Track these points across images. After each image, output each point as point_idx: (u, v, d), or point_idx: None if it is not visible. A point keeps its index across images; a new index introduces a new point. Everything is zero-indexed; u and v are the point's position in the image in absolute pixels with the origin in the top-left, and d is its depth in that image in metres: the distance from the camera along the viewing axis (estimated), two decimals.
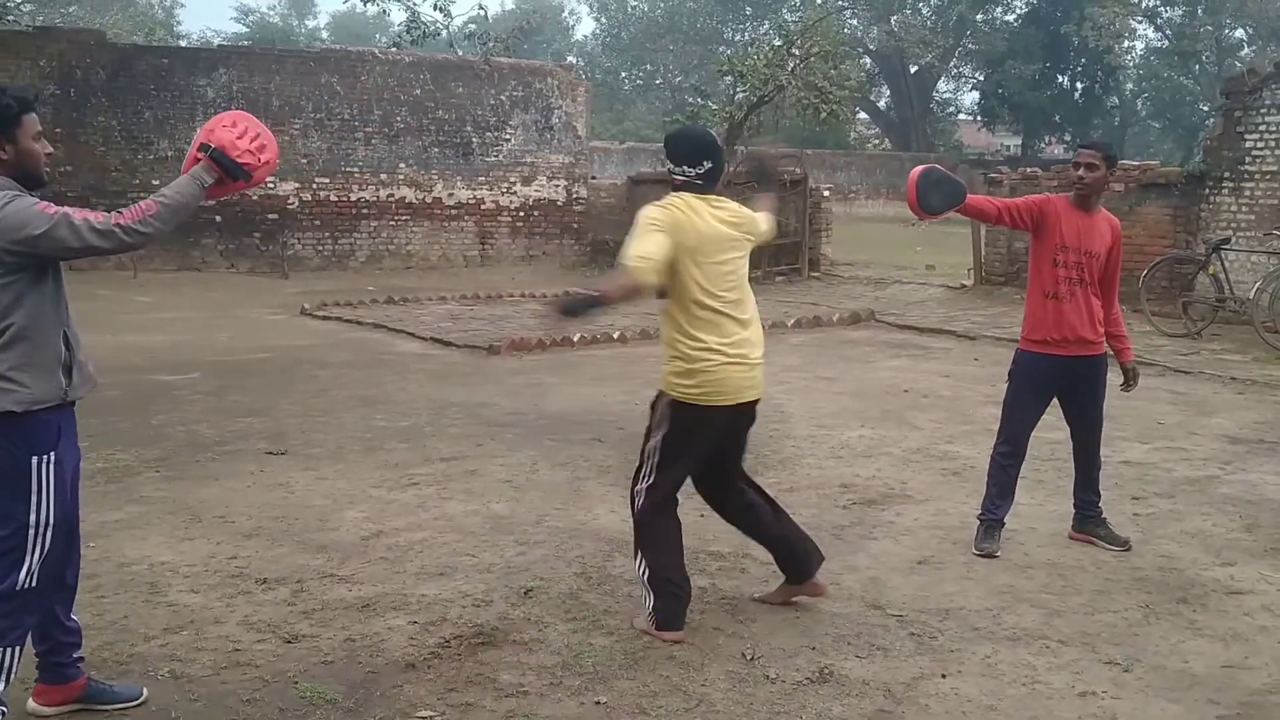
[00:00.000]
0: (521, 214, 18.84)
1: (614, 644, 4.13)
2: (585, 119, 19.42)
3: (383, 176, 17.87)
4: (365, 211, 17.85)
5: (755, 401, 4.25)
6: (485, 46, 20.51)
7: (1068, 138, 45.42)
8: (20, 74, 15.50)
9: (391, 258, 18.03)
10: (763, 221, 4.41)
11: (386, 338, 11.74)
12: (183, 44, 36.48)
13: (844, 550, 5.25)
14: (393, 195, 17.95)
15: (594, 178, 19.45)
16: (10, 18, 17.39)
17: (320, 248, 17.58)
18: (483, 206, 18.56)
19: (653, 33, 53.07)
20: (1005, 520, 5.43)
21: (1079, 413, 5.50)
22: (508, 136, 18.64)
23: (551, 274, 18.27)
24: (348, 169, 17.67)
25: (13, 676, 3.27)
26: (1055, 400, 5.47)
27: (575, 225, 19.26)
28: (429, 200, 18.06)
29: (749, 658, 4.03)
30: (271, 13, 66.69)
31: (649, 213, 4.06)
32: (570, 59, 60.88)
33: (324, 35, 67.04)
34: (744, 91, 16.00)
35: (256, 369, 9.76)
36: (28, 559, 3.18)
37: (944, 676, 3.94)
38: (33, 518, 3.17)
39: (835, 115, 15.96)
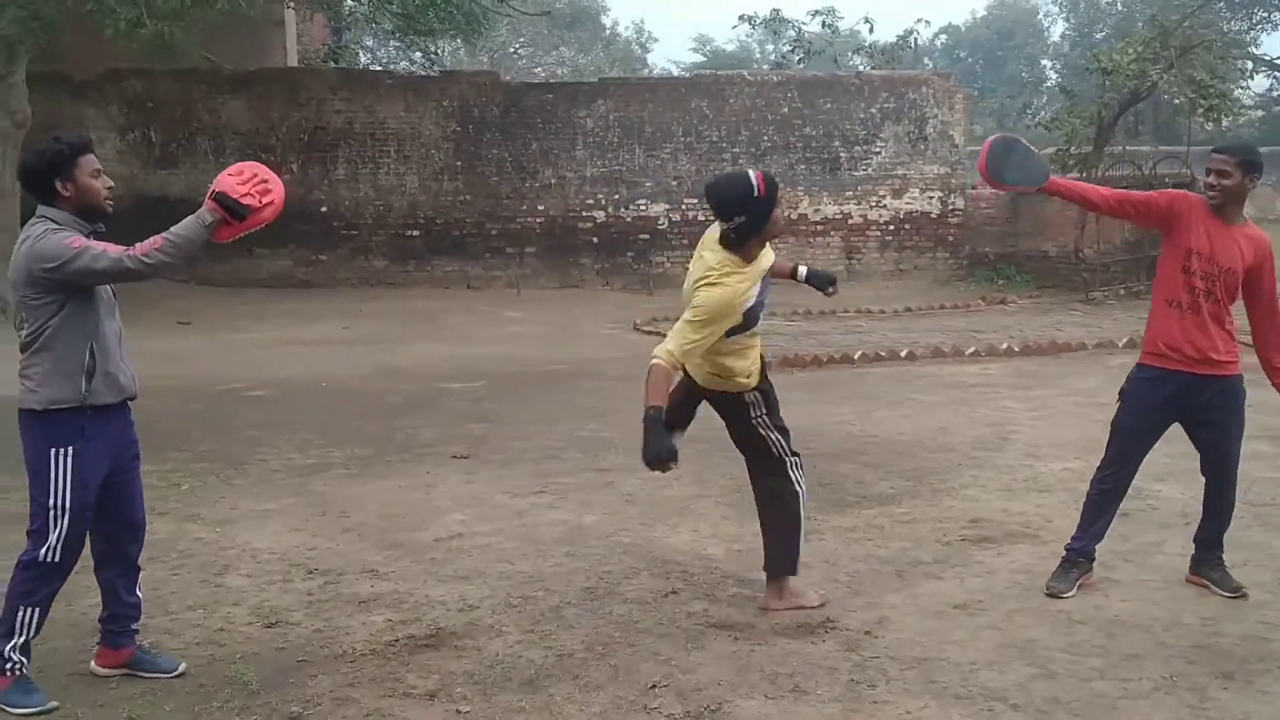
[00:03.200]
0: (891, 227, 18.44)
1: (542, 658, 4.19)
2: (963, 127, 18.63)
3: None
4: None
5: None
6: (871, 59, 20.35)
7: None
8: (427, 113, 17.59)
9: None
10: None
11: None
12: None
13: (889, 588, 4.90)
14: None
15: (973, 187, 18.59)
16: (423, 60, 19.63)
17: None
18: (850, 221, 18.39)
19: (1127, 29, 49.39)
20: (1095, 554, 4.92)
21: (1208, 445, 4.89)
22: (878, 149, 18.34)
23: (922, 288, 17.73)
24: None
25: (32, 634, 3.86)
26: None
27: (950, 238, 18.54)
28: (794, 217, 18.14)
29: (648, 685, 3.94)
30: (749, 39, 69.08)
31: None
32: (1044, 62, 58.23)
33: (793, 57, 68.37)
34: (1112, 89, 14.67)
35: (537, 380, 10.44)
36: (49, 537, 3.80)
37: None
38: (51, 500, 3.79)
39: (1216, 110, 14.21)
